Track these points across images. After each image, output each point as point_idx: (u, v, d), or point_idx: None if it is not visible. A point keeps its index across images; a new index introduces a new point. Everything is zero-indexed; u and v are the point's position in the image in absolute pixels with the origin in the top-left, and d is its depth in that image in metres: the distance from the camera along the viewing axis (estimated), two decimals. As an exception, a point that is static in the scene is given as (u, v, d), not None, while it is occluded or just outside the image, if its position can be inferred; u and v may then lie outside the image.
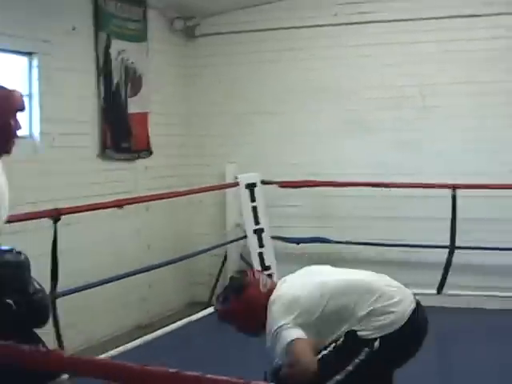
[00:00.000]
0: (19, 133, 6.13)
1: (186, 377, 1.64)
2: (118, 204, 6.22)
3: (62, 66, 6.83)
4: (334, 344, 3.80)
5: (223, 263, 8.47)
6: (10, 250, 3.11)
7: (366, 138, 8.23)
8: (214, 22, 8.86)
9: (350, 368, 3.72)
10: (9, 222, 5.35)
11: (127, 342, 6.40)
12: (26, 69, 6.62)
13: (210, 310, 7.42)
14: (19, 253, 3.12)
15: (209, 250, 7.96)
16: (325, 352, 3.79)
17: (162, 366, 1.77)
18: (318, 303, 3.85)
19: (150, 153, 8.03)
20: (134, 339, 6.53)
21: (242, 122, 8.72)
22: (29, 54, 6.60)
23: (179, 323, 7.07)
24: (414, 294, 4.05)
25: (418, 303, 3.97)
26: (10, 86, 3.27)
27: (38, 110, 6.60)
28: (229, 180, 8.40)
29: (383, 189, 7.72)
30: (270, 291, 4.02)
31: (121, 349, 6.17)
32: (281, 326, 3.77)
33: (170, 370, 1.67)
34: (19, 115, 3.27)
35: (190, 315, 7.34)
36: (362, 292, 3.87)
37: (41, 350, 1.90)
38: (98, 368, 1.72)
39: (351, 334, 3.77)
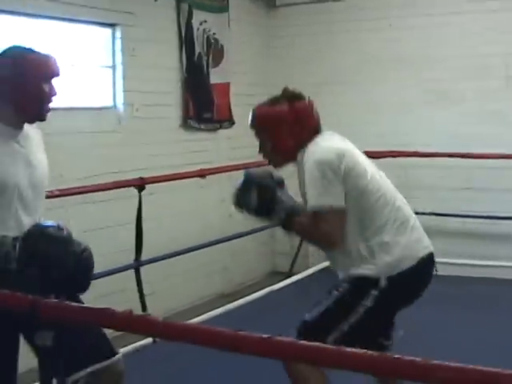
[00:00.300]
0: (103, 103, 6.27)
1: (279, 342, 1.60)
2: (201, 174, 6.25)
3: (144, 38, 6.89)
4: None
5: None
6: (53, 226, 3.08)
7: (449, 109, 8.08)
8: (297, -9, 8.80)
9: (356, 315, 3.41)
10: (94, 190, 5.50)
11: (209, 311, 6.46)
12: (109, 40, 6.70)
13: (292, 279, 7.46)
14: (61, 228, 3.08)
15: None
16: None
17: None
18: (365, 181, 3.50)
19: (232, 123, 8.05)
20: (216, 308, 6.58)
21: (321, 93, 8.62)
22: (112, 25, 6.68)
23: (261, 292, 7.10)
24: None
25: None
26: (46, 51, 3.25)
27: (121, 81, 6.69)
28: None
29: (467, 159, 7.58)
30: (316, 132, 3.60)
31: (204, 317, 6.23)
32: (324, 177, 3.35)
33: (263, 336, 1.62)
34: (55, 81, 3.24)
35: (271, 285, 7.37)
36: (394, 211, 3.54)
37: (136, 314, 1.90)
38: (191, 333, 1.71)
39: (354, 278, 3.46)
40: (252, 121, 3.65)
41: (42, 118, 3.31)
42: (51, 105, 3.29)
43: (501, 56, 7.89)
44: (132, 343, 5.40)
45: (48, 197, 5.05)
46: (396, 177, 8.26)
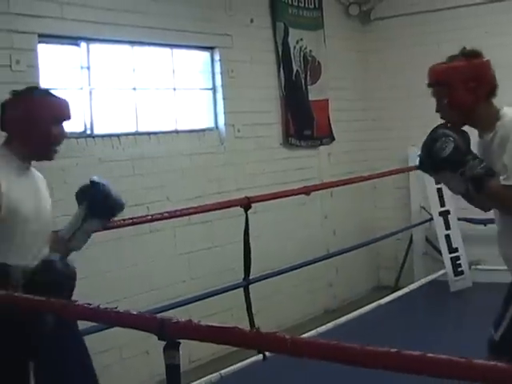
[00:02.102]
0: (205, 125, 6.37)
1: (409, 356, 1.59)
2: (306, 191, 6.26)
3: (242, 59, 6.99)
4: None
5: (409, 246, 8.40)
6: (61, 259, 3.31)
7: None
8: (389, 5, 8.77)
9: None
10: (202, 211, 5.58)
11: (315, 328, 6.45)
12: (209, 63, 6.83)
13: (398, 293, 7.39)
14: (67, 264, 3.30)
15: (394, 234, 7.90)
16: None
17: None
18: None
19: (333, 139, 8.08)
20: (322, 324, 6.57)
21: (420, 104, 8.50)
22: (210, 48, 6.80)
23: (367, 308, 7.05)
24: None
25: None
26: (60, 95, 3.40)
27: (221, 103, 6.79)
28: (412, 163, 8.31)
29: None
30: (493, 92, 3.51)
31: (311, 333, 6.23)
32: None
33: (391, 350, 1.61)
34: (66, 123, 3.37)
35: (376, 300, 7.32)
36: None
37: (265, 332, 1.93)
38: (321, 349, 1.72)
39: None
40: (429, 76, 3.56)
41: (49, 158, 3.41)
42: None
43: None
44: (241, 360, 5.43)
45: (157, 219, 5.19)
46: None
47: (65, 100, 3.39)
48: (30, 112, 3.26)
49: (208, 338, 1.93)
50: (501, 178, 3.28)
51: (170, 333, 1.92)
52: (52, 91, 3.47)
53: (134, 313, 2.05)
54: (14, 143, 3.28)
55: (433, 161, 3.42)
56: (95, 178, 3.57)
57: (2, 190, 3.13)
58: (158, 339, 1.97)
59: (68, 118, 3.37)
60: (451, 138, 3.37)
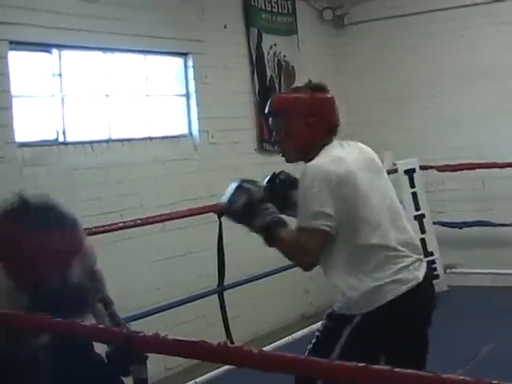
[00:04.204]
0: (178, 131, 6.33)
1: (377, 371, 1.57)
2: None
3: (216, 64, 6.98)
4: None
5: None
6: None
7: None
8: (362, 10, 8.79)
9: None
10: (176, 218, 5.57)
11: (292, 333, 6.44)
12: (182, 69, 6.80)
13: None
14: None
15: (369, 238, 7.89)
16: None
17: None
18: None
19: (307, 144, 8.07)
20: (299, 330, 6.56)
21: (395, 108, 8.62)
22: (183, 54, 6.78)
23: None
24: None
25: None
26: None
27: (195, 109, 6.78)
28: (387, 167, 8.31)
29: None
30: (332, 131, 3.38)
31: (288, 338, 6.22)
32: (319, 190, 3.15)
33: (359, 364, 1.59)
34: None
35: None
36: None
37: (232, 346, 1.89)
38: (282, 363, 1.70)
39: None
40: (269, 105, 3.46)
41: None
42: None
43: None
44: (217, 368, 5.41)
45: (130, 226, 5.17)
46: (473, 189, 8.29)
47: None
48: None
49: (175, 352, 1.91)
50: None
51: (137, 347, 1.90)
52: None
53: (101, 326, 2.03)
54: None
55: (228, 212, 3.47)
56: None
57: None
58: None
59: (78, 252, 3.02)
60: (246, 190, 3.36)
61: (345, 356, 3.15)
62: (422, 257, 3.42)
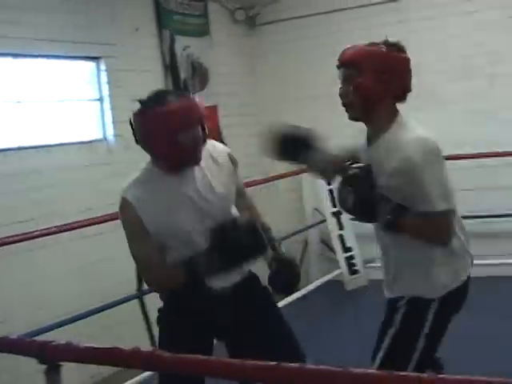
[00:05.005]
0: (93, 136, 6.25)
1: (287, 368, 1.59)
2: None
3: (129, 68, 6.92)
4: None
5: (304, 249, 8.48)
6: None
7: (437, 111, 8.10)
8: (274, 10, 8.87)
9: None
10: (91, 224, 5.51)
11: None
12: (95, 73, 6.73)
13: (295, 295, 7.42)
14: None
15: (288, 237, 7.96)
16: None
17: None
18: None
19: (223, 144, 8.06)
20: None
21: (311, 107, 8.69)
22: (95, 58, 6.71)
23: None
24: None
25: None
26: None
27: (109, 113, 6.72)
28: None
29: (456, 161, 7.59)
30: (404, 93, 3.28)
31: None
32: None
33: (270, 363, 1.61)
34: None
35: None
36: None
37: (143, 351, 1.89)
38: (195, 365, 1.71)
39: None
40: (341, 56, 3.26)
41: (193, 164, 3.31)
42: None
43: (485, 55, 7.91)
44: (142, 372, 5.39)
45: (45, 234, 5.09)
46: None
47: (187, 105, 3.20)
48: (149, 129, 3.19)
49: (88, 360, 1.90)
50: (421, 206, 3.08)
51: (50, 356, 1.87)
52: None
53: (13, 337, 2.00)
54: (152, 158, 3.30)
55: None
56: None
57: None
58: (39, 363, 1.92)
59: (192, 124, 3.19)
60: (351, 189, 3.19)
61: (430, 342, 3.16)
62: None
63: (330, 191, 8.05)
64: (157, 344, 3.48)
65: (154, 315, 5.62)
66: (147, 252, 3.25)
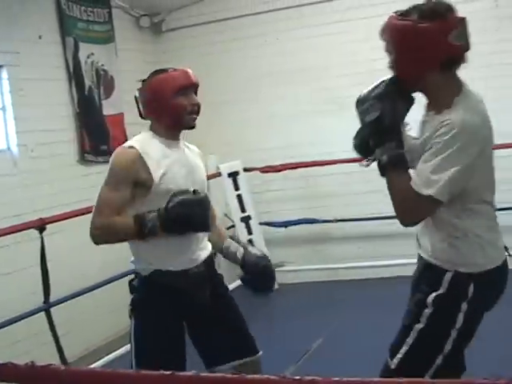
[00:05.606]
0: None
1: (181, 378, 1.63)
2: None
3: (32, 76, 6.80)
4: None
5: (214, 254, 8.46)
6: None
7: (343, 115, 8.19)
8: (179, 16, 8.88)
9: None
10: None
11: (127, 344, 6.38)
12: (-3, 82, 6.61)
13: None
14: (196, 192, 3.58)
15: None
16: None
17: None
18: None
19: (130, 152, 8.02)
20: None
21: (216, 113, 8.71)
22: (-3, 66, 6.59)
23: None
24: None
25: None
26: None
27: (12, 123, 6.59)
28: (211, 171, 8.38)
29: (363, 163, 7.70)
30: (453, 63, 2.95)
31: (122, 350, 6.16)
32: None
33: (165, 373, 1.65)
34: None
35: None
36: None
37: (39, 365, 1.89)
38: (91, 379, 1.71)
39: None
40: (381, 29, 3.06)
41: (188, 127, 3.91)
42: None
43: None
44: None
45: None
46: (296, 188, 8.51)
47: (183, 70, 3.85)
48: (153, 91, 3.67)
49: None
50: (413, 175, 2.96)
51: None
52: None
53: None
54: (154, 126, 3.74)
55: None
56: None
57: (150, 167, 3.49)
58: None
59: (190, 84, 3.83)
60: (379, 105, 3.10)
61: (467, 327, 3.00)
62: None
63: (238, 196, 8.09)
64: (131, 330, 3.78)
65: (62, 328, 5.58)
66: (111, 199, 3.53)
